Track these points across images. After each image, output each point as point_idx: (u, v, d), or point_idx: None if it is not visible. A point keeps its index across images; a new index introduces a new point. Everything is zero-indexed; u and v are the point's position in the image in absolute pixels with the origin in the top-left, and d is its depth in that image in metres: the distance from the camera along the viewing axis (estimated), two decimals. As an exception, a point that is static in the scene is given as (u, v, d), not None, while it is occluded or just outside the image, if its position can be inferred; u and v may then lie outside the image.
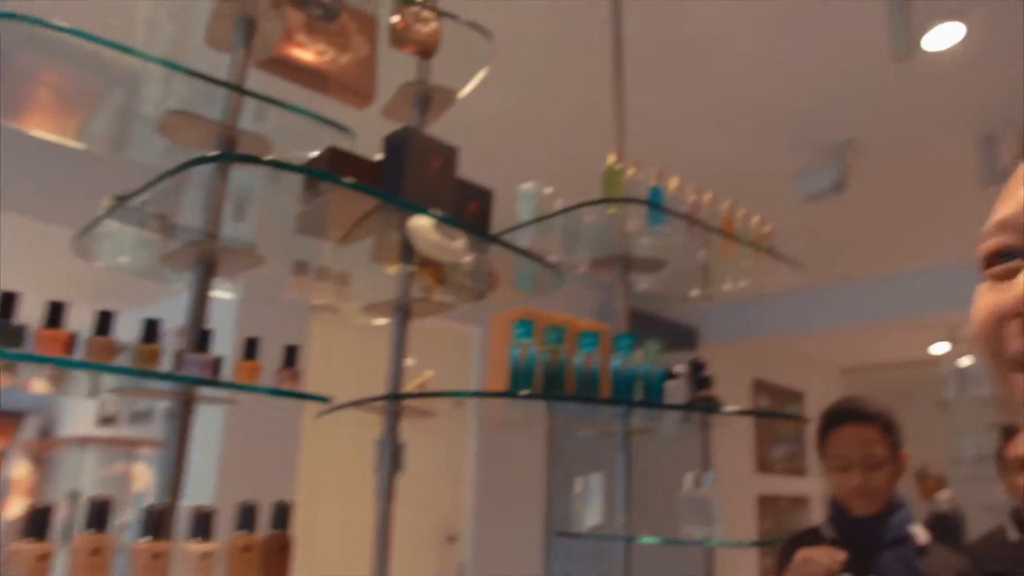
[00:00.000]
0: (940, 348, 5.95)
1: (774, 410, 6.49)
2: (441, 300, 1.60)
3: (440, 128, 1.58)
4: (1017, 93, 2.79)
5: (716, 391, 1.85)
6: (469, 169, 1.52)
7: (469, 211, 1.48)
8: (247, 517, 1.15)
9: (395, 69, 1.60)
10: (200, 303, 1.25)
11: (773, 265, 2.07)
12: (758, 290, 4.79)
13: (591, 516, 1.93)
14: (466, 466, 4.32)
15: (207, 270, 1.26)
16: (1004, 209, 0.59)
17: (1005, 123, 3.01)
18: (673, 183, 1.81)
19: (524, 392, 1.52)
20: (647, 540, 1.84)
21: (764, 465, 6.31)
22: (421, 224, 1.35)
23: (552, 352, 1.54)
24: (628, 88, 2.16)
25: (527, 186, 1.84)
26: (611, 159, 1.71)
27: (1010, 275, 0.56)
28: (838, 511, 1.76)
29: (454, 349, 4.25)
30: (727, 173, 3.36)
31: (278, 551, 1.16)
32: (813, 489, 6.79)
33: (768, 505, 6.18)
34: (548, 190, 1.90)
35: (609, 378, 1.62)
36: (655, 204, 1.69)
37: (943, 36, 2.51)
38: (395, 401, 1.47)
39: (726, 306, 5.29)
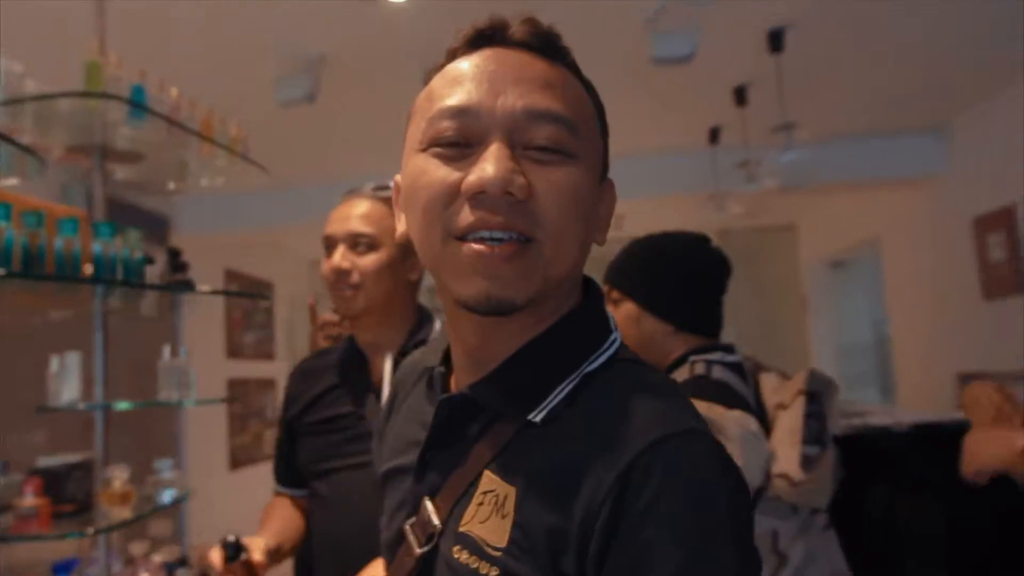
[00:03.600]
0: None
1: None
2: None
3: None
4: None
5: (190, 278, 2.13)
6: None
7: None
8: None
9: None
10: None
11: (245, 166, 2.38)
12: (233, 187, 5.00)
13: (67, 391, 2.05)
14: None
15: None
16: (462, 96, 0.61)
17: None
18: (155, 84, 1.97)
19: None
20: (123, 406, 2.05)
21: (234, 351, 6.70)
22: None
23: (31, 235, 1.61)
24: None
25: (-8, 62, 1.78)
26: (93, 53, 1.78)
27: (458, 158, 0.60)
28: None
29: None
30: (211, 71, 3.49)
31: None
32: (279, 372, 7.49)
33: (237, 387, 6.63)
34: (18, 67, 1.86)
35: (91, 261, 1.77)
36: (135, 103, 1.84)
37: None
38: None
39: (199, 199, 5.39)
